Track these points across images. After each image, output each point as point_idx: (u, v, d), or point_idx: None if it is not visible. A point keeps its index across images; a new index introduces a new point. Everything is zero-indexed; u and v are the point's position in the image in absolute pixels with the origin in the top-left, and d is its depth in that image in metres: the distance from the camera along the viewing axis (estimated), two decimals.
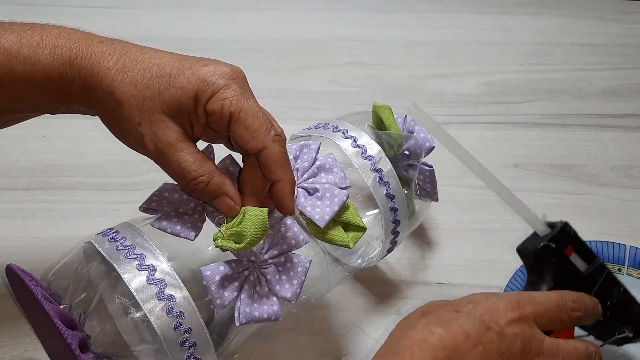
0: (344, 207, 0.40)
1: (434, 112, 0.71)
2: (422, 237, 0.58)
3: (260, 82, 0.74)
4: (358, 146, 0.45)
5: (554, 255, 0.43)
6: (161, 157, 0.36)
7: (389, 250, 0.49)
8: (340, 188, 0.41)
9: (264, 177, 0.37)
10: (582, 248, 0.46)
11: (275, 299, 0.37)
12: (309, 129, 0.49)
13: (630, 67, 0.78)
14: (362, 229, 0.41)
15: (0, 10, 0.81)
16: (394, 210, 0.45)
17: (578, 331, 0.43)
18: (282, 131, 0.38)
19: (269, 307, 0.37)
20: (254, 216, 0.35)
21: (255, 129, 0.36)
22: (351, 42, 0.80)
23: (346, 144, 0.45)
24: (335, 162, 0.42)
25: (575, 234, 0.46)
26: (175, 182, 0.40)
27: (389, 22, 0.83)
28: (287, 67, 0.75)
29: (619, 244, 0.55)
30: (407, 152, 0.47)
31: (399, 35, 0.81)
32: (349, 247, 0.40)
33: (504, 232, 0.58)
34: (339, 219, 0.40)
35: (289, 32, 0.80)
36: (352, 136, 0.45)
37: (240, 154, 0.40)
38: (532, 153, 0.66)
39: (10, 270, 0.36)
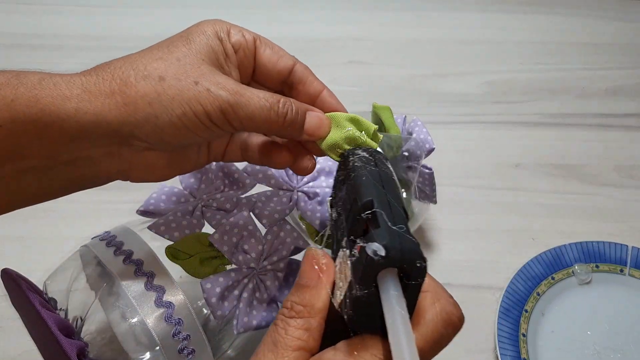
0: None
1: (434, 111, 0.71)
2: (421, 238, 0.57)
3: None
4: None
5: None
6: (238, 97, 0.31)
7: None
8: None
9: (306, 94, 0.35)
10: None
11: (274, 305, 0.37)
12: None
13: (632, 66, 0.77)
14: None
15: (0, 9, 0.81)
16: None
17: None
18: None
19: (268, 314, 0.36)
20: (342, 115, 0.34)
21: (278, 49, 0.35)
22: (351, 42, 0.79)
23: None
24: (335, 165, 0.41)
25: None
26: (173, 186, 0.39)
27: (388, 21, 0.83)
28: None
29: (621, 244, 0.54)
30: (406, 154, 0.46)
31: (399, 35, 0.81)
32: None
33: (504, 232, 0.58)
34: None
35: (289, 32, 0.80)
36: None
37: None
38: (534, 153, 0.66)
39: (6, 274, 0.36)
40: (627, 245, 0.54)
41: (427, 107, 0.71)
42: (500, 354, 0.47)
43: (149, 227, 0.37)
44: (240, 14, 0.83)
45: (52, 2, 0.83)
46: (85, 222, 0.57)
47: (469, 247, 0.56)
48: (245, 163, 0.41)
